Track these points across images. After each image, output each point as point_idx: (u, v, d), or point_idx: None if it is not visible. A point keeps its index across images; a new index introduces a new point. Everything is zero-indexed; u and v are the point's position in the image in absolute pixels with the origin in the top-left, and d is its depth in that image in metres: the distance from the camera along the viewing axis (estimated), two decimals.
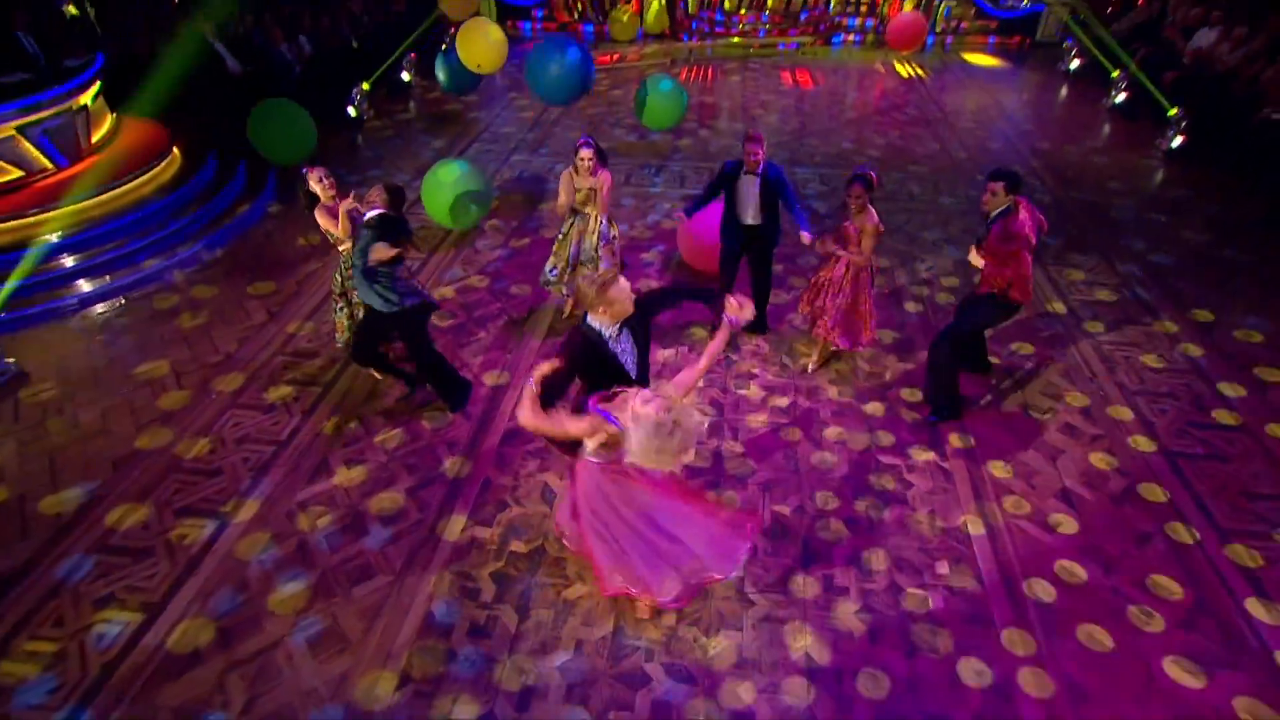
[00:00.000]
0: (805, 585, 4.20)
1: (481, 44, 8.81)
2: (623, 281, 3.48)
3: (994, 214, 4.72)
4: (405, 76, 11.67)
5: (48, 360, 5.82)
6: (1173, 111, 9.73)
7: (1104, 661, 3.82)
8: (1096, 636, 3.93)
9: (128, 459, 4.93)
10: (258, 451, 5.04)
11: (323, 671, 3.74)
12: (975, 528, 4.55)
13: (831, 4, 14.93)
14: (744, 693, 3.68)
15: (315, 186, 5.13)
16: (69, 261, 6.66)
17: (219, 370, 5.77)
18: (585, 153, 5.58)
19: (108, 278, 6.69)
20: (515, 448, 5.10)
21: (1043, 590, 4.17)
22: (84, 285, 6.60)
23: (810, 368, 5.80)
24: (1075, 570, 4.29)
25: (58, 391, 5.50)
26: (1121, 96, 11.09)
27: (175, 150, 8.31)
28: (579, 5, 15.23)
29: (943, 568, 4.31)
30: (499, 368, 5.82)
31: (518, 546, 4.40)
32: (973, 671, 3.77)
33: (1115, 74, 11.14)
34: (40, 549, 4.31)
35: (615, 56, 13.81)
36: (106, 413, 5.31)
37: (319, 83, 10.44)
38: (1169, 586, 4.19)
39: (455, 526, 4.54)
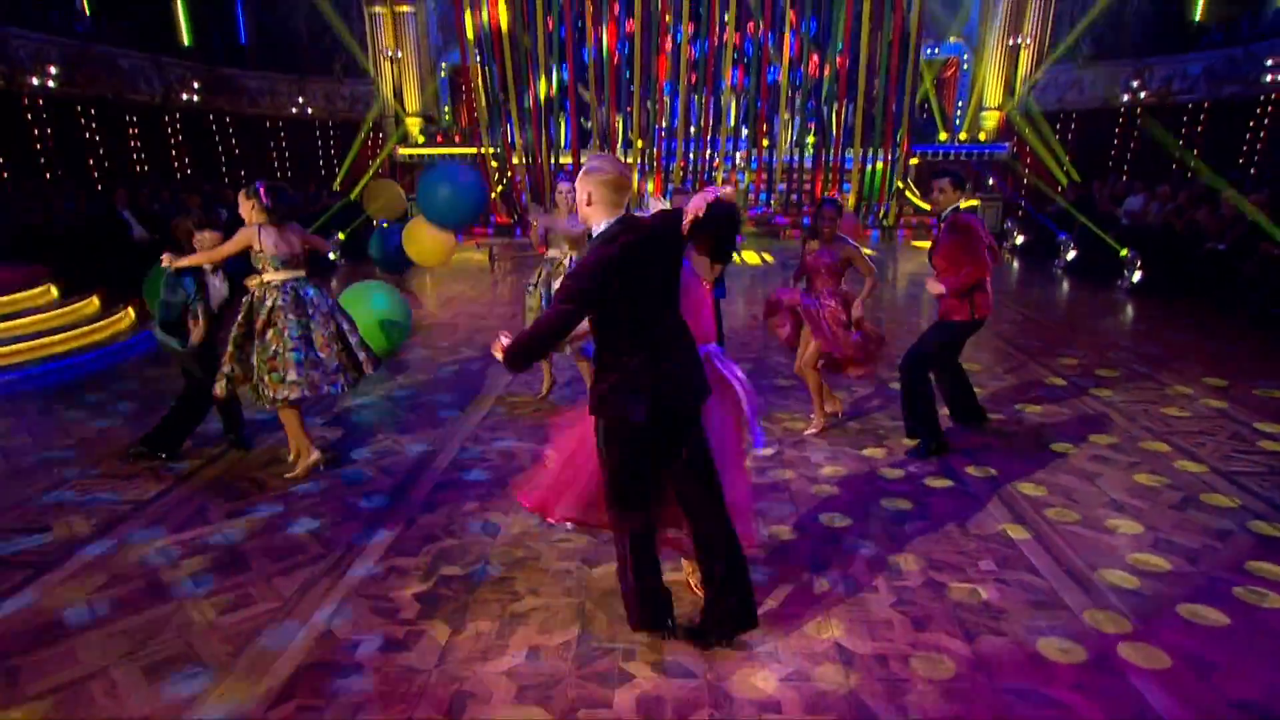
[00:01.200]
0: (822, 585, 3.74)
1: (429, 242, 9.39)
2: None
3: (945, 211, 5.10)
4: (331, 255, 12.41)
5: None
6: (1124, 252, 10.96)
7: (1224, 634, 3.39)
8: (1204, 614, 3.52)
9: None
10: (109, 508, 4.49)
11: (160, 697, 3.01)
12: (1018, 534, 4.24)
13: (773, 204, 16.99)
14: (762, 681, 3.09)
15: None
16: None
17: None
18: (564, 186, 5.85)
19: None
20: (449, 494, 4.70)
21: (1119, 579, 3.79)
22: None
23: (814, 430, 5.68)
24: (1153, 560, 3.95)
25: None
26: (1071, 254, 12.49)
27: (51, 288, 8.44)
28: (517, 209, 16.93)
29: (988, 564, 3.93)
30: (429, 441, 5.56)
31: (451, 570, 3.87)
32: (1057, 649, 3.28)
33: (1124, 252, 12.68)
34: None
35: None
36: None
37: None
38: (1274, 570, 3.88)
39: (369, 558, 4.00)
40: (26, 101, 11.90)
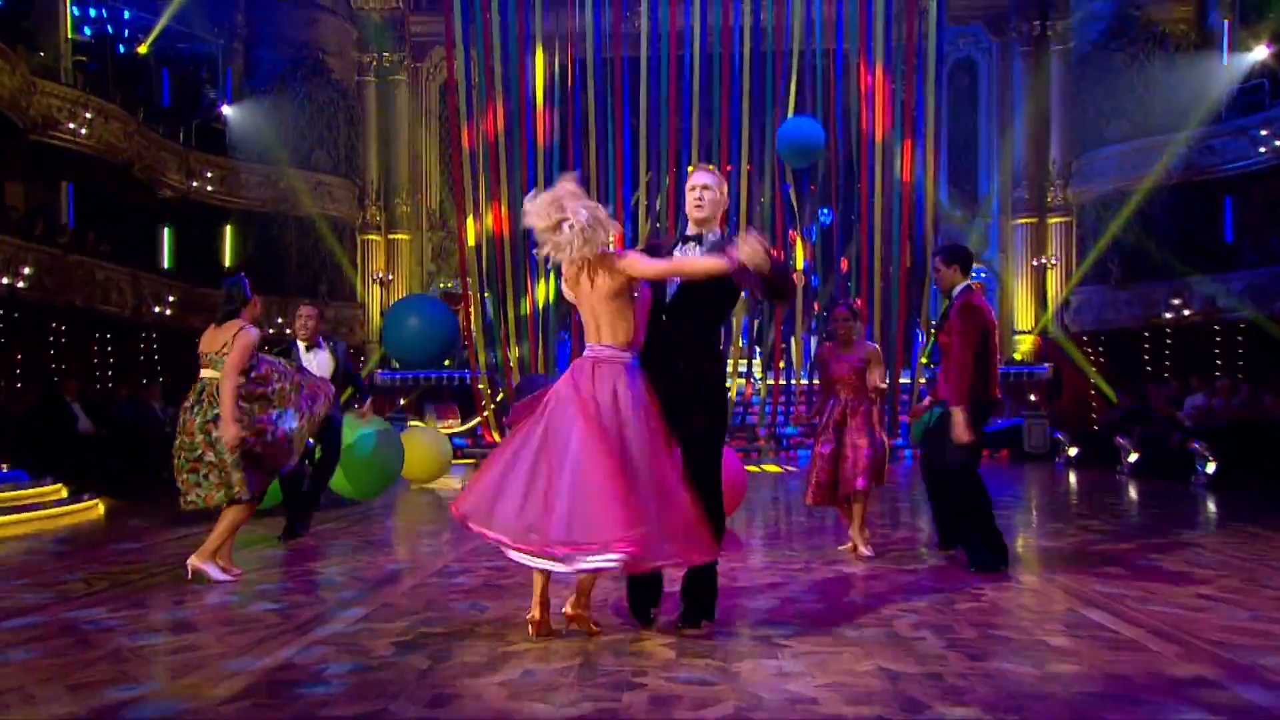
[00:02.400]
0: (863, 627, 3.73)
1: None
2: None
3: (955, 290, 5.52)
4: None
5: None
6: (1192, 444, 11.31)
7: None
8: None
9: None
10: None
11: (88, 705, 2.97)
12: (1099, 615, 4.21)
13: (791, 424, 17.59)
14: (796, 685, 3.04)
15: None
16: None
17: None
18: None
19: None
20: (431, 590, 4.72)
21: (1232, 637, 3.76)
22: None
23: (863, 549, 5.75)
24: None
25: None
26: (1133, 457, 12.81)
27: None
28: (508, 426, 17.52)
29: (1054, 626, 3.91)
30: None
31: (433, 630, 3.85)
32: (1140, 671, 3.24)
33: (1118, 441, 13.09)
34: None
35: None
36: None
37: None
38: None
39: (338, 624, 3.99)
40: None
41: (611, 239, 3.73)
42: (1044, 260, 19.79)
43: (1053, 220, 20.15)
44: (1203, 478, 11.10)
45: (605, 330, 3.66)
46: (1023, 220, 20.39)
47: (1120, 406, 15.31)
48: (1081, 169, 19.52)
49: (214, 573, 4.85)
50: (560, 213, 3.56)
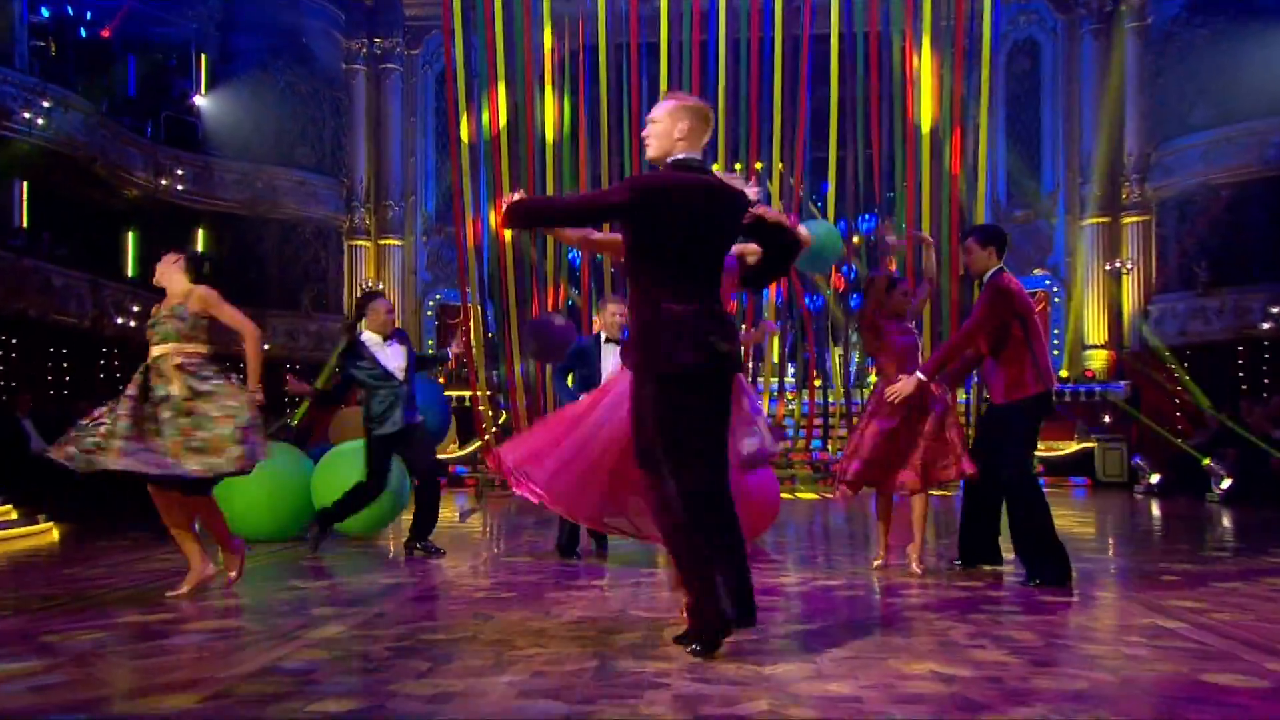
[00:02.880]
0: (913, 634, 3.76)
1: None
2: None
3: (987, 275, 5.62)
4: None
5: None
6: None
7: None
8: None
9: None
10: None
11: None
12: (1184, 628, 4.24)
13: (829, 449, 17.61)
14: (837, 686, 3.09)
15: None
16: None
17: None
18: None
19: None
20: (430, 602, 4.80)
21: None
22: None
23: (916, 565, 5.80)
24: None
25: None
26: (1226, 483, 12.76)
27: None
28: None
29: (1134, 636, 3.94)
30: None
31: (433, 636, 3.93)
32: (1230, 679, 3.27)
33: (1206, 461, 13.03)
34: None
35: None
36: None
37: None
38: None
39: (330, 627, 4.08)
40: None
41: None
42: (1119, 265, 19.74)
43: (1128, 220, 20.05)
44: None
45: None
46: (1093, 220, 20.33)
47: (1211, 427, 15.23)
48: (1161, 161, 19.50)
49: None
50: None
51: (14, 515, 9.01)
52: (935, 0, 16.97)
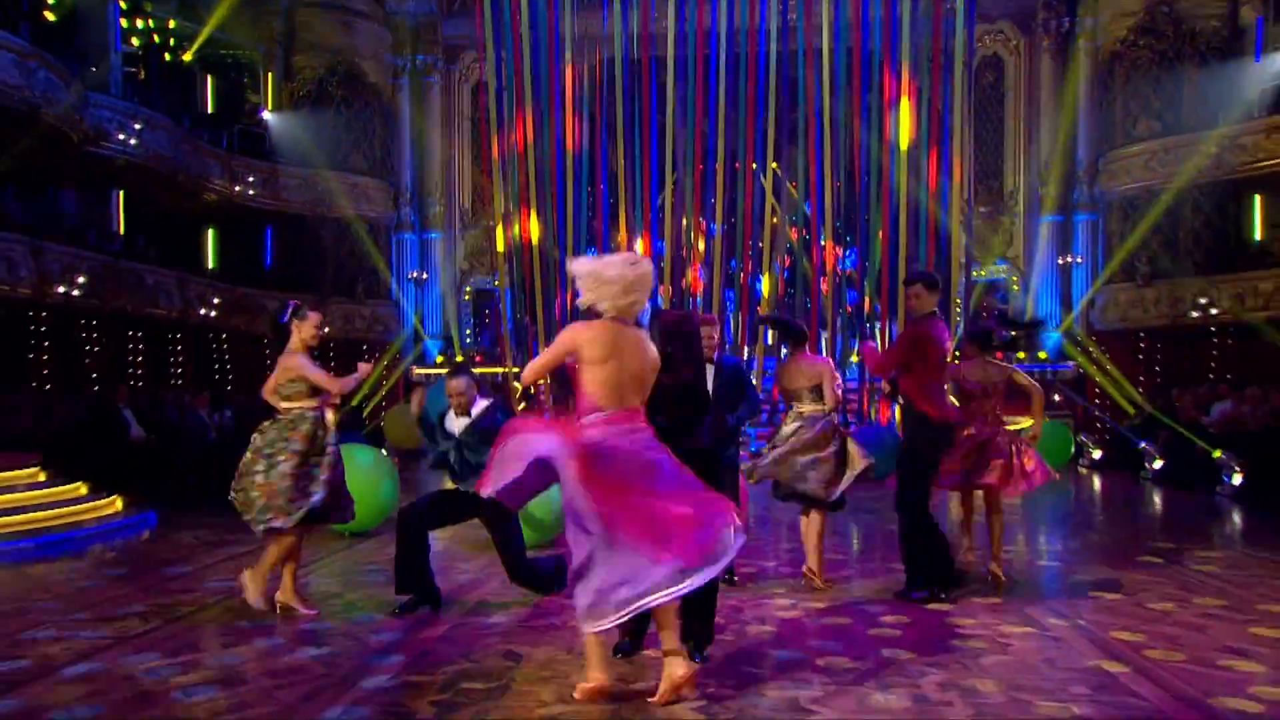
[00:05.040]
0: (889, 700, 3.73)
1: None
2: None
3: (923, 315, 5.53)
4: None
5: None
6: (1218, 453, 11.16)
7: None
8: None
9: None
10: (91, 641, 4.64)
11: None
12: (1114, 667, 4.19)
13: None
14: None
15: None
16: None
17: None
18: None
19: None
20: (468, 631, 4.79)
21: (1243, 705, 3.73)
22: None
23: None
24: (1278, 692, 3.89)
25: None
26: (1158, 464, 12.66)
27: (39, 469, 8.96)
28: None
29: (1080, 689, 3.89)
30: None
31: (472, 685, 3.91)
32: None
33: (1141, 448, 12.95)
34: None
35: None
36: None
37: (231, 451, 11.65)
38: None
39: (379, 675, 4.06)
40: (44, 314, 13.28)
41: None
42: (1069, 259, 19.50)
43: (1079, 218, 19.84)
44: (1229, 488, 10.95)
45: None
46: (1048, 218, 20.07)
47: (1143, 411, 15.11)
48: (1109, 167, 19.20)
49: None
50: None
51: (83, 490, 8.96)
52: (913, 23, 16.79)
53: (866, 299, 18.23)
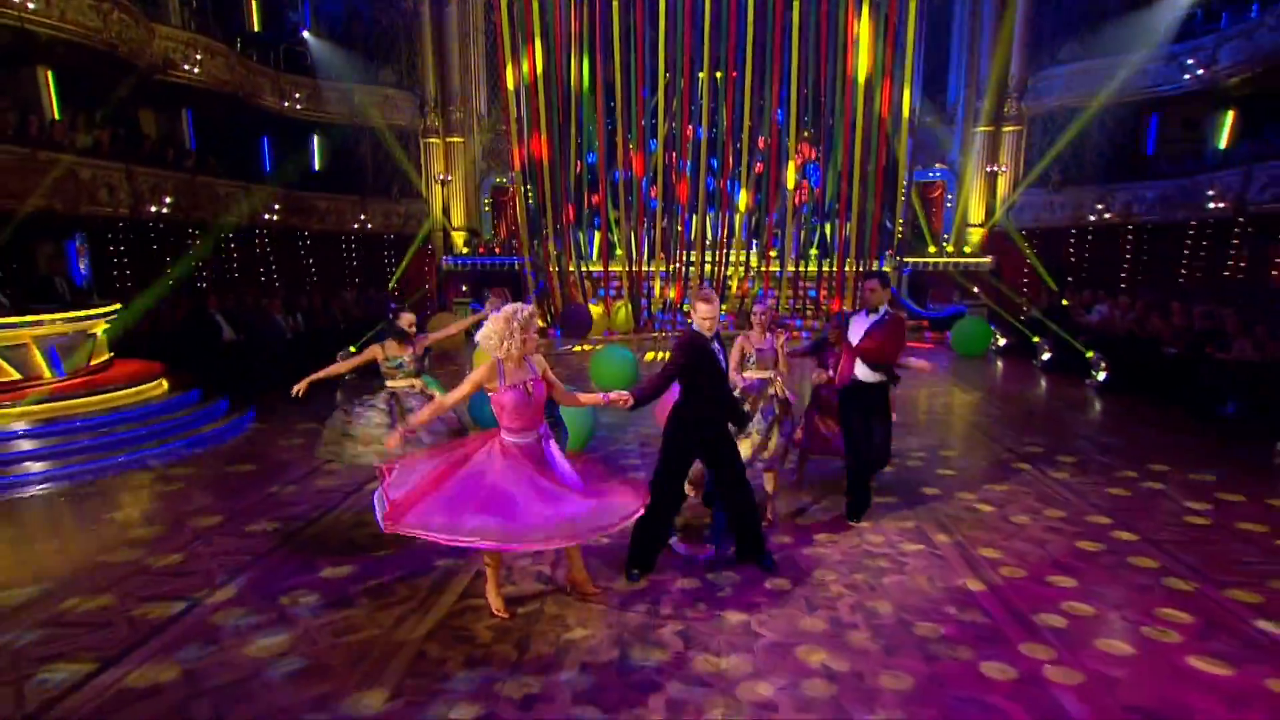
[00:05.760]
0: (813, 623, 4.42)
1: None
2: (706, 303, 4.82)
3: (883, 309, 5.76)
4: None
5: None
6: (1090, 354, 11.73)
7: (1129, 661, 4.04)
8: (1117, 646, 4.17)
9: (92, 568, 5.13)
10: (235, 559, 5.27)
11: (301, 694, 3.73)
12: (975, 585, 4.90)
13: (779, 305, 18.01)
14: (763, 689, 3.76)
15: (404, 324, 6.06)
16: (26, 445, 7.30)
17: (195, 514, 6.15)
18: (759, 308, 5.96)
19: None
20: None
21: (1054, 620, 4.44)
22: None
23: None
24: (1082, 607, 4.60)
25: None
26: (1046, 355, 13.27)
27: (163, 381, 9.36)
28: (550, 312, 18.09)
29: (950, 609, 4.59)
30: None
31: (514, 609, 4.58)
32: (997, 669, 3.94)
33: (1036, 339, 13.51)
34: None
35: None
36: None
37: (306, 349, 12.05)
38: (1178, 615, 4.51)
39: (448, 599, 4.72)
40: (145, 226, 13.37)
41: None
42: (995, 167, 19.43)
43: (1006, 129, 19.55)
44: (1095, 383, 11.58)
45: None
46: (982, 129, 19.77)
47: (1040, 305, 15.56)
48: (1035, 86, 18.84)
49: None
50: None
51: (196, 395, 9.27)
52: None
53: (827, 196, 18.39)
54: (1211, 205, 14.01)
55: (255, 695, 3.73)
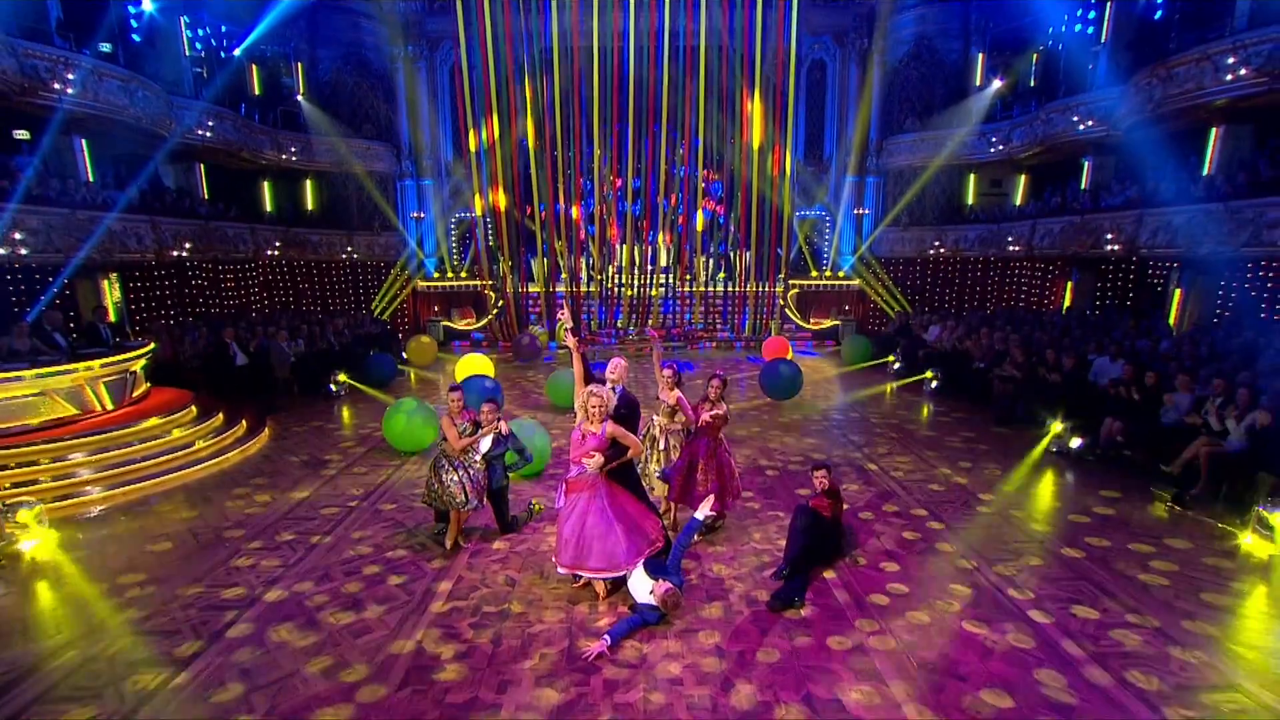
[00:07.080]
0: (711, 610, 5.00)
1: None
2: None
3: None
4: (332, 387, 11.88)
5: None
6: (930, 375, 12.66)
7: (924, 627, 4.74)
8: (918, 617, 4.88)
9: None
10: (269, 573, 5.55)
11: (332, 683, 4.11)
12: (829, 574, 5.53)
13: (691, 320, 18.64)
14: (674, 668, 4.32)
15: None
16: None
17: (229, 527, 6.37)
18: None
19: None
20: (479, 559, 5.83)
21: (880, 599, 5.12)
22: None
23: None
24: (899, 588, 5.30)
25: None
26: (898, 365, 14.23)
27: (193, 408, 9.33)
28: (503, 329, 18.29)
29: (809, 595, 5.24)
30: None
31: (489, 609, 5.01)
32: (836, 642, 4.58)
33: (890, 358, 14.47)
34: None
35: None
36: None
37: (307, 370, 12.07)
38: (962, 590, 5.26)
39: (438, 603, 5.12)
40: (163, 270, 13.03)
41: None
42: (861, 210, 20.45)
43: (870, 180, 20.63)
44: (930, 389, 12.53)
45: None
46: (850, 178, 20.77)
47: (895, 323, 16.56)
48: (888, 147, 19.86)
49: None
50: None
51: (219, 420, 9.13)
52: (764, 37, 16.96)
53: (731, 225, 19.13)
54: (1011, 248, 15.24)
55: (297, 689, 4.08)
